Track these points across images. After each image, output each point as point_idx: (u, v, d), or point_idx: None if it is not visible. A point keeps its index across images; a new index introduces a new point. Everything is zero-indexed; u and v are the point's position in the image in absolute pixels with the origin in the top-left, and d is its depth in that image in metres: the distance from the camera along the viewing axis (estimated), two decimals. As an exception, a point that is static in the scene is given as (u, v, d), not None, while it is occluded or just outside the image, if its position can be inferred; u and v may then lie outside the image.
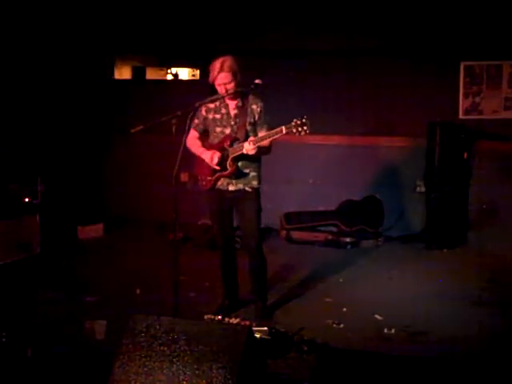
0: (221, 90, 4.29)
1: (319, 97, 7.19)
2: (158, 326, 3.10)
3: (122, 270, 5.78)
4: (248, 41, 7.27)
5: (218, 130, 4.44)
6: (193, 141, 4.49)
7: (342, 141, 7.23)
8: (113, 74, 8.16)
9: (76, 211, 7.03)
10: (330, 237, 6.91)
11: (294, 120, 4.02)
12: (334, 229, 7.07)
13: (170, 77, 8.35)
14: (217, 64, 4.27)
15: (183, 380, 2.93)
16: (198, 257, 6.13)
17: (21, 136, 6.68)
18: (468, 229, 6.78)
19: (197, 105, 4.12)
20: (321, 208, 7.17)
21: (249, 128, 4.38)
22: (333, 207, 7.13)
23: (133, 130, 3.99)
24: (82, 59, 7.64)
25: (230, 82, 4.26)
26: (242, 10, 7.25)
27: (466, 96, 6.98)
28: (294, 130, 4.03)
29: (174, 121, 3.90)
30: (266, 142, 4.22)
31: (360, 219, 6.97)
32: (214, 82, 4.30)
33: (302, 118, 4.03)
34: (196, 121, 4.50)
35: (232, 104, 4.42)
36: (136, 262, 6.00)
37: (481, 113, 6.94)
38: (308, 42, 7.12)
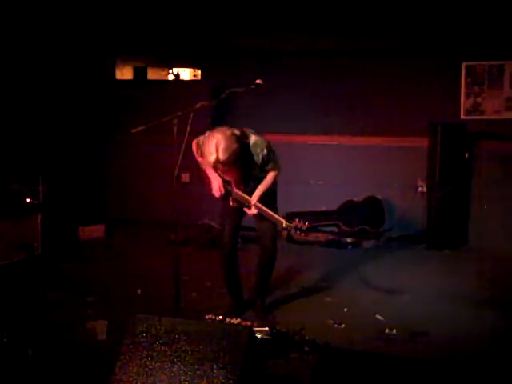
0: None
1: (320, 97, 7.19)
2: (158, 327, 3.10)
3: (123, 270, 5.79)
4: (248, 41, 7.27)
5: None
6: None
7: (343, 141, 7.24)
8: (114, 74, 8.17)
9: (77, 212, 7.04)
10: (330, 237, 6.92)
11: (296, 220, 4.05)
12: (334, 229, 7.08)
13: (171, 77, 8.35)
14: (211, 152, 3.92)
15: (184, 380, 2.93)
16: (198, 257, 6.13)
17: (23, 136, 6.69)
18: (469, 229, 6.78)
19: (198, 106, 4.11)
20: (322, 208, 7.18)
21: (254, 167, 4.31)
22: (334, 207, 7.14)
23: (134, 131, 4.00)
24: (84, 59, 7.65)
25: (228, 168, 4.09)
26: (242, 10, 7.25)
27: (467, 96, 6.97)
28: (293, 232, 4.09)
29: (175, 121, 3.91)
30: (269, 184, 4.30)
31: (361, 219, 6.97)
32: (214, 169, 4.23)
33: (305, 222, 4.04)
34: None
35: None
36: (137, 263, 6.01)
37: (482, 113, 6.94)
38: (309, 42, 7.12)
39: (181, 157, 3.88)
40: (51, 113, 7.27)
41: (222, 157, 3.90)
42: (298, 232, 4.06)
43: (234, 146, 3.95)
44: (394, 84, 7.08)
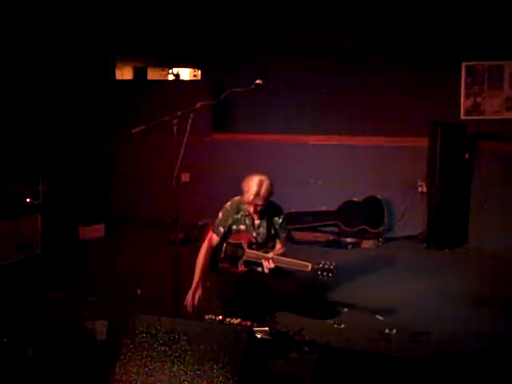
0: (249, 207, 4.51)
1: (320, 97, 7.19)
2: (158, 326, 3.10)
3: (122, 270, 5.79)
4: (249, 41, 7.28)
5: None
6: (205, 254, 4.70)
7: (343, 141, 7.23)
8: (114, 74, 8.16)
9: (77, 211, 7.04)
10: (330, 237, 6.92)
11: (322, 262, 4.25)
12: (335, 229, 7.08)
13: (171, 77, 8.35)
14: (253, 186, 4.42)
15: (184, 380, 2.93)
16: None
17: (22, 136, 6.69)
18: (469, 229, 6.78)
19: (198, 106, 4.10)
20: (322, 208, 7.17)
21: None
22: (334, 207, 7.13)
23: (134, 131, 3.98)
24: (84, 60, 7.65)
25: (262, 204, 4.46)
26: (242, 11, 7.26)
27: (467, 96, 6.98)
28: (319, 273, 4.27)
29: (175, 121, 3.90)
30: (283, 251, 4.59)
31: (361, 219, 6.97)
32: (247, 201, 4.48)
33: (331, 264, 4.26)
34: (221, 229, 4.66)
35: (255, 215, 4.61)
36: (137, 262, 6.00)
37: (482, 113, 6.94)
38: (308, 42, 7.13)
39: (181, 157, 3.87)
40: (51, 113, 7.28)
41: (262, 193, 4.40)
42: (325, 274, 4.25)
43: (272, 189, 4.46)
44: (394, 84, 7.08)
